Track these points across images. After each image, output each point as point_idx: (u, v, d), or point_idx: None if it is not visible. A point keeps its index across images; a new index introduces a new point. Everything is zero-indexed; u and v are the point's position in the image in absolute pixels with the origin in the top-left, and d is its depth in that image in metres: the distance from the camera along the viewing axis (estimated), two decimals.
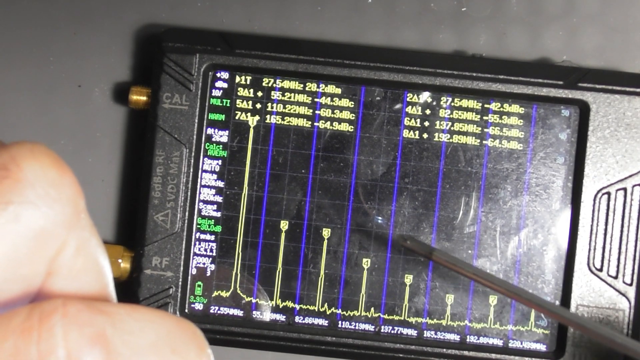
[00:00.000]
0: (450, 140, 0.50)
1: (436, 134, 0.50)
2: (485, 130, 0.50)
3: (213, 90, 0.50)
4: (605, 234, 0.49)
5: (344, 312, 0.50)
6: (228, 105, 0.50)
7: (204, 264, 0.50)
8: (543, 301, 0.45)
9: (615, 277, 0.49)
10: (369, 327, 0.50)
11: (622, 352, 0.42)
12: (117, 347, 0.22)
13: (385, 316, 0.50)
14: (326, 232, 0.50)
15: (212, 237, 0.50)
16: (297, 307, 0.50)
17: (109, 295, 0.25)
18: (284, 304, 0.50)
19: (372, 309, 0.50)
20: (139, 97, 0.50)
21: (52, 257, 0.24)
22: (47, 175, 0.24)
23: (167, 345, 0.23)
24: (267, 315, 0.50)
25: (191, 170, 0.49)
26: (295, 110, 0.50)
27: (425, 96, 0.50)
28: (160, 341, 0.23)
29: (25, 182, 0.23)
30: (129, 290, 0.50)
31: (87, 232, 0.25)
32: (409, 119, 0.50)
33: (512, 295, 0.45)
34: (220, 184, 0.50)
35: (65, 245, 0.24)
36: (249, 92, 0.50)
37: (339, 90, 0.50)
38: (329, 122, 0.50)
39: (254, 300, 0.50)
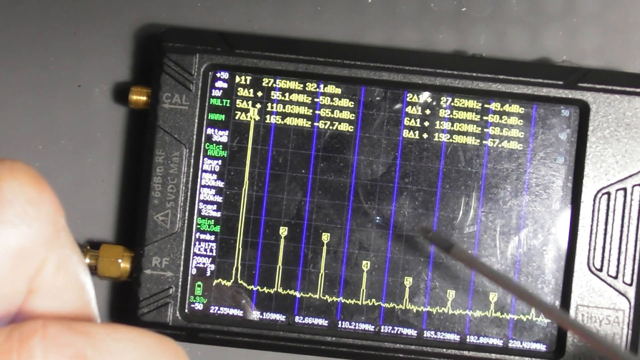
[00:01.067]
0: (450, 140, 0.50)
1: (436, 134, 0.50)
2: (485, 130, 0.50)
3: (213, 90, 0.50)
4: (605, 234, 0.49)
5: (344, 312, 0.50)
6: (228, 105, 0.50)
7: (204, 264, 0.50)
8: (554, 307, 0.45)
9: (615, 277, 0.49)
10: (369, 327, 0.50)
11: None
12: None
13: (385, 316, 0.50)
14: (325, 237, 0.50)
15: (212, 237, 0.50)
16: (297, 307, 0.50)
17: (91, 312, 0.25)
18: (283, 304, 0.50)
19: (372, 308, 0.50)
20: (139, 97, 0.50)
21: (32, 275, 0.24)
22: (25, 194, 0.24)
23: None
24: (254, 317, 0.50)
25: (191, 170, 0.49)
26: (295, 110, 0.50)
27: (425, 96, 0.50)
28: None
29: (4, 201, 0.23)
30: (129, 290, 0.50)
31: (67, 249, 0.25)
32: (409, 119, 0.50)
33: (526, 298, 0.45)
34: (220, 184, 0.50)
35: (45, 263, 0.24)
36: (249, 92, 0.50)
37: (339, 90, 0.50)
38: (329, 122, 0.50)
39: (254, 288, 0.50)
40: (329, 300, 0.50)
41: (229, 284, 0.50)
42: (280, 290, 0.50)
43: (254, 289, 0.50)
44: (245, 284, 0.50)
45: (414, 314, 0.50)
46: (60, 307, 0.25)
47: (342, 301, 0.50)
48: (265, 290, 0.50)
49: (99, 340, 0.23)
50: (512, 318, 0.50)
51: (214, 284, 0.50)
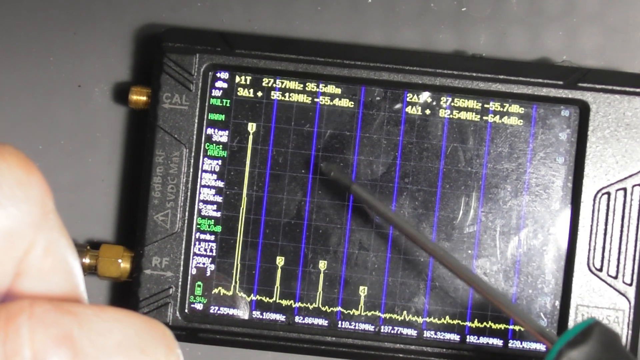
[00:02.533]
0: (450, 139, 0.50)
1: (436, 134, 0.50)
2: (485, 130, 0.50)
3: (213, 90, 0.50)
4: (605, 234, 0.49)
5: (344, 312, 0.50)
6: (228, 105, 0.50)
7: (204, 264, 0.50)
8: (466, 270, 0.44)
9: (615, 277, 0.49)
10: (369, 327, 0.50)
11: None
12: (83, 347, 0.22)
13: (385, 316, 0.50)
14: (323, 265, 0.50)
15: (212, 237, 0.50)
16: (297, 307, 0.50)
17: (79, 295, 0.25)
18: (283, 304, 0.50)
19: (372, 308, 0.50)
20: (139, 97, 0.50)
21: (20, 257, 0.24)
22: (14, 176, 0.24)
23: (135, 346, 0.23)
24: (246, 315, 0.50)
25: (191, 170, 0.49)
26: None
27: (425, 96, 0.50)
28: (128, 341, 0.23)
29: None
30: (129, 290, 0.50)
31: (55, 232, 0.25)
32: (409, 118, 0.50)
33: (433, 253, 0.44)
34: (220, 184, 0.50)
35: (33, 245, 0.24)
36: (249, 92, 0.50)
37: (339, 90, 0.50)
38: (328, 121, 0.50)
39: (254, 297, 0.50)
40: (327, 311, 0.50)
41: (229, 293, 0.50)
42: (279, 292, 0.50)
43: (254, 293, 0.50)
44: (244, 293, 0.50)
45: (414, 314, 0.50)
46: (49, 289, 0.25)
47: (342, 300, 0.50)
48: (264, 294, 0.50)
49: (86, 320, 0.23)
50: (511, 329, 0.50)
51: (213, 286, 0.50)
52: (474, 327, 0.49)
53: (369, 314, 0.50)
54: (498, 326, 0.50)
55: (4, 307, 0.22)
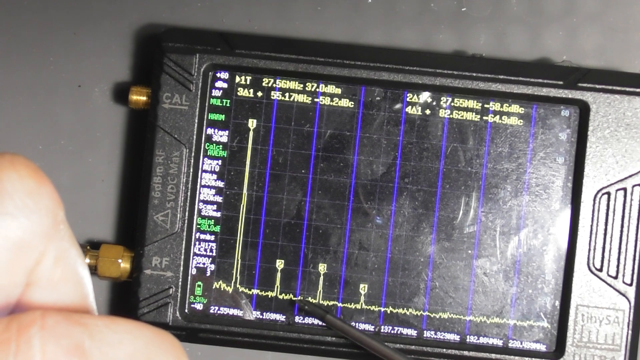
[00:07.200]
0: (450, 140, 0.50)
1: (436, 134, 0.50)
2: (485, 130, 0.50)
3: (213, 90, 0.50)
4: (605, 234, 0.49)
5: (344, 312, 0.50)
6: (228, 105, 0.50)
7: (204, 264, 0.50)
8: None
9: (615, 277, 0.49)
10: (369, 327, 0.50)
11: None
12: (94, 358, 0.22)
13: (385, 315, 0.50)
14: (325, 237, 0.50)
15: (212, 237, 0.50)
16: (297, 307, 0.50)
17: (89, 305, 0.25)
18: (284, 304, 0.50)
19: (372, 308, 0.50)
20: (139, 97, 0.50)
21: (31, 268, 0.24)
22: (25, 186, 0.24)
23: (145, 357, 0.23)
24: (249, 316, 0.50)
25: (191, 170, 0.49)
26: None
27: (425, 96, 0.50)
28: (139, 353, 0.23)
29: (3, 193, 0.23)
30: (129, 290, 0.50)
31: (66, 242, 0.25)
32: (409, 118, 0.50)
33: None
34: (220, 184, 0.50)
35: (43, 256, 0.24)
36: (249, 92, 0.50)
37: (339, 90, 0.50)
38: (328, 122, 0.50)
39: (255, 292, 0.50)
40: (329, 304, 0.50)
41: (229, 288, 0.50)
42: (279, 292, 0.50)
43: (254, 292, 0.50)
44: (245, 290, 0.50)
45: (414, 313, 0.50)
46: (59, 299, 0.25)
47: (342, 300, 0.50)
48: (265, 293, 0.50)
49: (97, 332, 0.23)
50: (512, 327, 0.50)
51: (214, 286, 0.50)
52: (474, 327, 0.49)
53: (369, 313, 0.50)
54: (498, 324, 0.50)
55: (16, 318, 0.22)
